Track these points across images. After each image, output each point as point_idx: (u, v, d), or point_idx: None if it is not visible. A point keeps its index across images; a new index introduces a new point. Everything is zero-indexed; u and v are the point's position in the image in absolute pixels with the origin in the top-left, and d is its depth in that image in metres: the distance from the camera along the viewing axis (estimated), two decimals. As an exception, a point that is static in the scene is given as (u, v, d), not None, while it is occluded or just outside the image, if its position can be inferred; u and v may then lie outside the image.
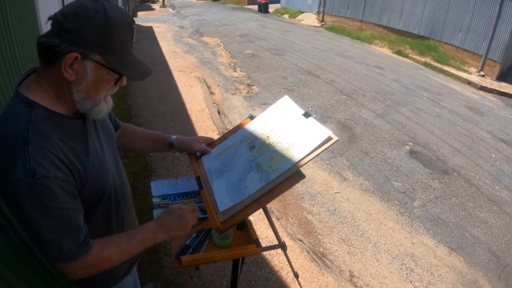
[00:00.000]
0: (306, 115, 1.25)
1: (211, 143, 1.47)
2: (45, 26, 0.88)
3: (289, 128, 1.26)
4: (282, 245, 1.55)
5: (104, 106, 0.97)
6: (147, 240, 1.03)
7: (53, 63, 0.85)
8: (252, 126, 1.40)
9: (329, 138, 1.11)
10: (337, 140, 1.11)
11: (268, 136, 1.29)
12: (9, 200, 0.83)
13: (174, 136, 1.41)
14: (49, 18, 0.86)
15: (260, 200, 1.13)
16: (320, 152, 1.09)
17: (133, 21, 0.92)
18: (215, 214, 1.17)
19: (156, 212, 1.41)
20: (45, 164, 0.81)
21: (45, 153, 0.82)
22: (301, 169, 1.12)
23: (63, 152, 0.87)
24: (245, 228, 1.36)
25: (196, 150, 1.42)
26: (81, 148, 0.94)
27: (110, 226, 1.11)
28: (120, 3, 12.12)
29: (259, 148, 1.27)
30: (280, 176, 1.12)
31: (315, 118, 1.24)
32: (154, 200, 1.49)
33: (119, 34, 0.87)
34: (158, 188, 1.55)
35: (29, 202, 0.81)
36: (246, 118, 1.50)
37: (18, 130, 0.82)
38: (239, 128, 1.47)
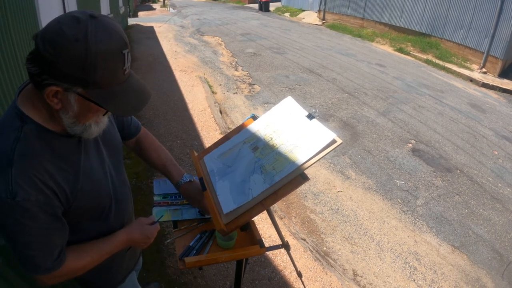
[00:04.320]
0: (310, 116, 1.25)
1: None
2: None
3: (292, 129, 1.25)
4: (285, 245, 1.56)
5: (95, 128, 0.92)
6: (115, 251, 1.10)
7: (40, 89, 0.80)
8: (255, 127, 1.40)
9: (333, 141, 1.11)
10: (341, 143, 1.11)
11: (271, 138, 1.29)
12: None
13: (184, 179, 1.38)
14: (33, 38, 0.79)
15: (264, 202, 1.13)
16: (325, 155, 1.09)
17: (125, 45, 0.80)
18: (219, 216, 1.17)
19: (155, 210, 1.45)
20: (27, 187, 0.81)
21: (29, 175, 0.81)
22: (304, 169, 1.12)
23: (48, 174, 0.85)
24: (248, 229, 1.36)
25: (199, 207, 1.40)
26: (70, 168, 0.92)
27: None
28: (120, 4, 12.11)
29: (262, 150, 1.27)
30: (284, 178, 1.11)
31: (318, 118, 1.24)
32: (155, 198, 1.52)
33: (104, 65, 0.76)
34: (160, 186, 1.58)
35: (9, 219, 0.82)
36: (249, 118, 1.49)
37: (4, 149, 0.81)
38: (242, 128, 1.46)
